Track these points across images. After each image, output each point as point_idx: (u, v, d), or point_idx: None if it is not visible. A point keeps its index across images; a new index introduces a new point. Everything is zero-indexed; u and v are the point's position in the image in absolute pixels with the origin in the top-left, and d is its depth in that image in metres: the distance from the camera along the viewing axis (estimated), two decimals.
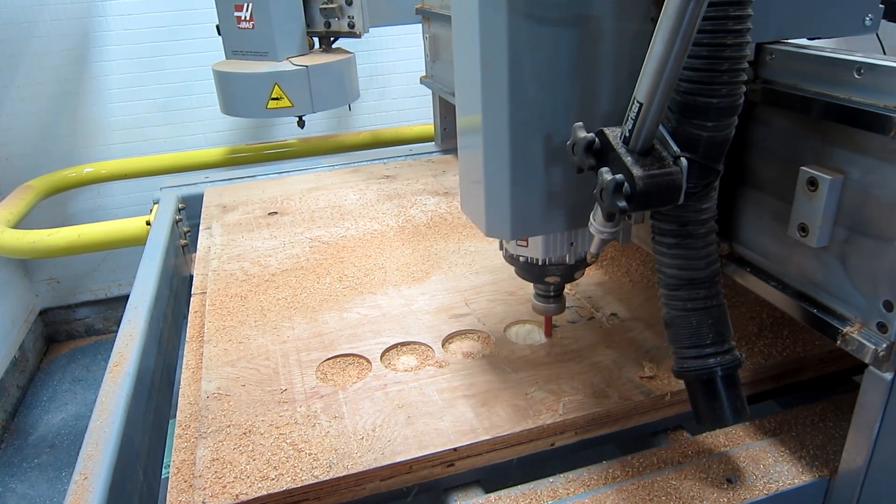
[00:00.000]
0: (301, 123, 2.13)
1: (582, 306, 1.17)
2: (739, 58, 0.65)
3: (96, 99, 2.76)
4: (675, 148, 0.69)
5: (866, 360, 0.71)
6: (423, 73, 2.12)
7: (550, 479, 0.86)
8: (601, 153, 0.71)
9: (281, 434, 0.90)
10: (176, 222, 1.86)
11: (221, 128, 2.93)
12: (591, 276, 1.27)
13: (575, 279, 0.96)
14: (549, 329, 1.08)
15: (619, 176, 0.67)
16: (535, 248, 0.90)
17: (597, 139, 0.71)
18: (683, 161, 0.68)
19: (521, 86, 0.74)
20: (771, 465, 0.86)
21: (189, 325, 1.22)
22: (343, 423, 0.91)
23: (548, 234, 0.88)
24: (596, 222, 0.77)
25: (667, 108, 0.67)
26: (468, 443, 0.86)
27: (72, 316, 3.17)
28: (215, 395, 0.98)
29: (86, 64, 2.70)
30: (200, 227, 1.67)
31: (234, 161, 2.62)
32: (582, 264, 0.93)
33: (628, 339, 1.06)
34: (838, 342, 0.74)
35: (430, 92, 2.16)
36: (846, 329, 0.74)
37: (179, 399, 1.01)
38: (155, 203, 1.99)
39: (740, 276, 0.88)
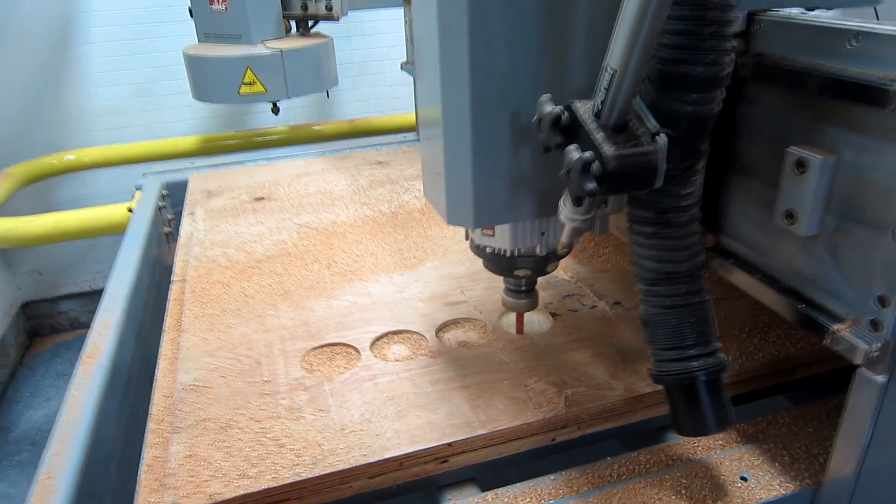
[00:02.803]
0: (275, 110, 2.06)
1: (584, 295, 1.10)
2: (725, 21, 0.58)
3: (79, 83, 2.68)
4: (654, 123, 0.60)
5: (857, 361, 0.64)
6: (405, 60, 2.05)
7: (552, 477, 0.80)
8: (570, 130, 0.63)
9: (262, 428, 0.83)
10: (159, 209, 1.79)
11: (208, 114, 2.85)
12: (593, 264, 1.21)
13: (547, 272, 0.89)
14: (521, 327, 1.00)
15: (587, 154, 0.59)
16: (502, 239, 0.83)
17: (565, 113, 0.63)
18: (662, 138, 0.60)
19: (484, 56, 0.66)
20: (788, 464, 0.80)
21: (167, 313, 1.15)
22: (329, 416, 0.85)
23: (515, 222, 0.80)
24: (566, 209, 0.70)
25: (644, 77, 0.60)
26: (463, 437, 0.80)
27: (55, 309, 3.09)
28: (192, 386, 0.92)
29: (68, 47, 2.61)
30: (183, 213, 1.60)
31: (222, 148, 2.55)
32: (555, 256, 0.86)
33: (634, 329, 1.00)
34: (826, 341, 0.67)
35: None
36: (835, 327, 0.66)
37: (154, 392, 0.95)
38: (138, 189, 1.92)
39: (725, 270, 0.81)
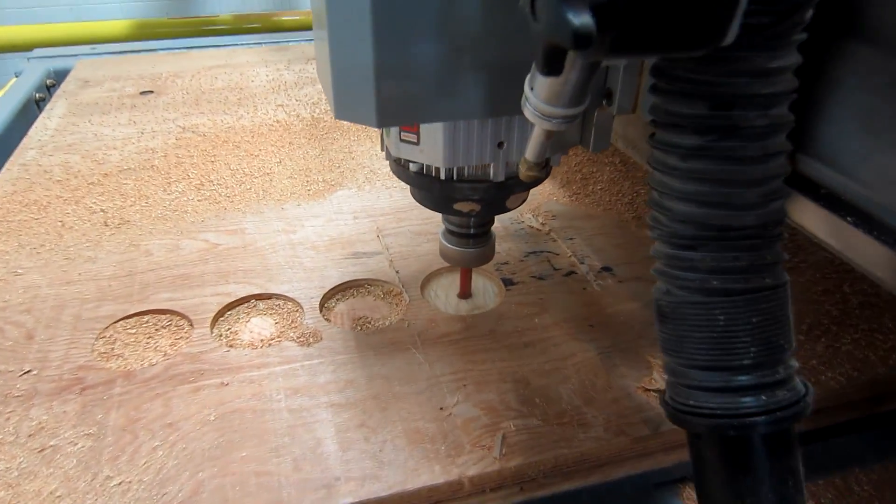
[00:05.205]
0: None
1: (559, 253, 0.74)
2: None
3: None
4: None
5: None
6: None
7: None
8: None
9: None
10: (37, 102, 1.40)
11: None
12: (576, 206, 0.84)
13: (509, 209, 0.53)
14: (467, 287, 0.66)
15: None
16: (432, 150, 0.46)
17: None
18: None
19: None
20: None
21: None
22: (98, 447, 0.50)
23: (451, 121, 0.45)
24: (534, 94, 0.36)
25: None
26: None
27: None
28: None
29: None
30: (46, 106, 1.21)
31: (147, 36, 2.10)
32: (521, 184, 0.50)
33: (628, 316, 0.64)
34: None
35: None
36: None
37: None
38: (16, 76, 1.52)
39: (804, 215, 0.44)
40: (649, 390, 0.55)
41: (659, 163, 0.36)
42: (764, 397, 0.36)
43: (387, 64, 0.39)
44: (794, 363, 0.37)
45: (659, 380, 0.56)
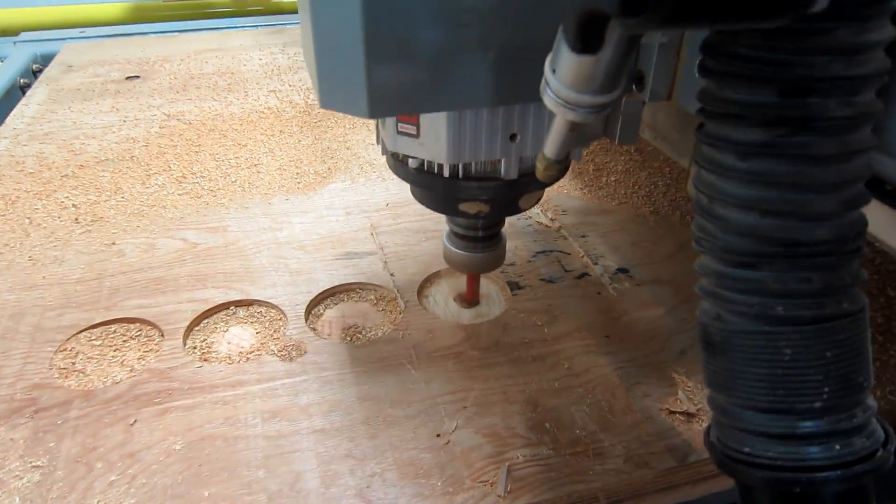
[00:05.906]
0: None
1: (570, 253, 0.67)
2: None
3: None
4: None
5: None
6: None
7: None
8: None
9: None
10: (21, 87, 1.33)
11: None
12: (589, 200, 0.77)
13: (522, 209, 0.47)
14: (473, 293, 0.59)
15: None
16: (434, 144, 0.40)
17: None
18: None
19: None
20: None
21: None
22: (45, 482, 0.44)
23: (456, 111, 0.38)
24: (558, 76, 0.29)
25: None
26: None
27: None
28: None
29: None
30: (26, 94, 1.15)
31: (142, 19, 2.03)
32: (536, 182, 0.42)
33: (648, 324, 0.58)
34: None
35: None
36: None
37: None
38: (1, 61, 1.46)
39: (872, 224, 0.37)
40: (675, 412, 0.48)
41: (710, 161, 0.29)
42: (838, 447, 0.29)
43: (379, 43, 0.33)
44: (873, 402, 0.31)
45: (685, 400, 0.49)
